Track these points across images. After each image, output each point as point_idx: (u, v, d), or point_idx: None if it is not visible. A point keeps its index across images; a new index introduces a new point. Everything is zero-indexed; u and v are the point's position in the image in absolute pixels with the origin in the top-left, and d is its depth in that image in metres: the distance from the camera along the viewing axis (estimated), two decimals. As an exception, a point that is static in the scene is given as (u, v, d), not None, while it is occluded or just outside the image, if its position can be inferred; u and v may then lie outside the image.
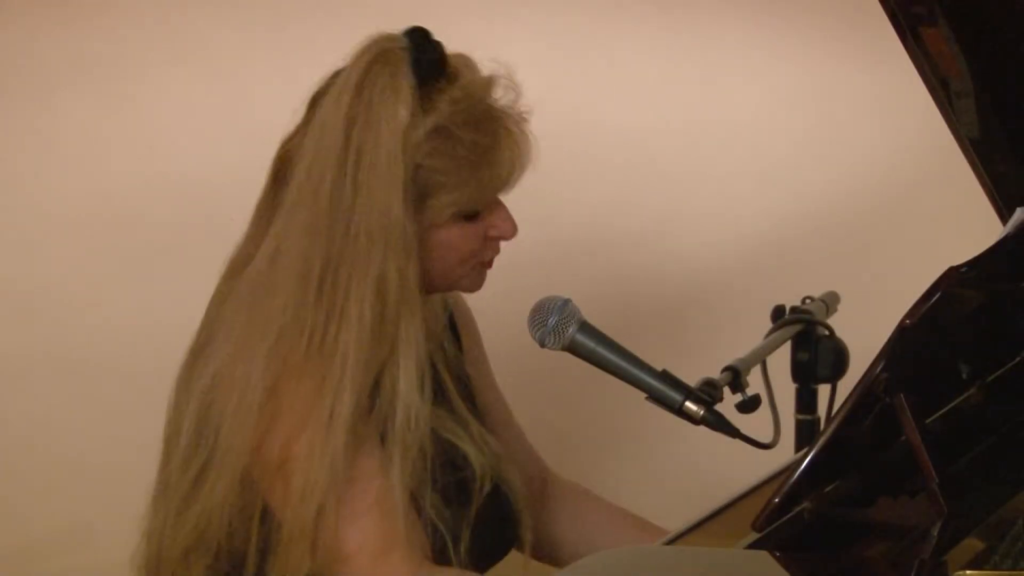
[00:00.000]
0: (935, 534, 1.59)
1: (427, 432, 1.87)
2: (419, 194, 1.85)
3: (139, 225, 2.99)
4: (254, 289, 1.87)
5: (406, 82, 1.83)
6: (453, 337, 2.05)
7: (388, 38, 1.86)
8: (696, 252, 3.17)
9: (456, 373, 2.01)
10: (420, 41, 1.86)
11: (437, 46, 1.87)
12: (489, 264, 1.94)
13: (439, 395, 1.95)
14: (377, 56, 1.84)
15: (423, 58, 1.85)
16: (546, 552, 2.15)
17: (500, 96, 1.88)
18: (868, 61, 3.05)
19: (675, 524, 1.88)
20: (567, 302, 1.92)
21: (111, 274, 2.98)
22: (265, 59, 3.02)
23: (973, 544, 1.61)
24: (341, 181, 1.83)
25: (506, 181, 1.89)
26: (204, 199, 2.94)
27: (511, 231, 1.91)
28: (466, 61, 1.88)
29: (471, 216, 1.88)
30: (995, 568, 1.59)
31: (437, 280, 1.92)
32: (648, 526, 2.14)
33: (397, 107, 1.82)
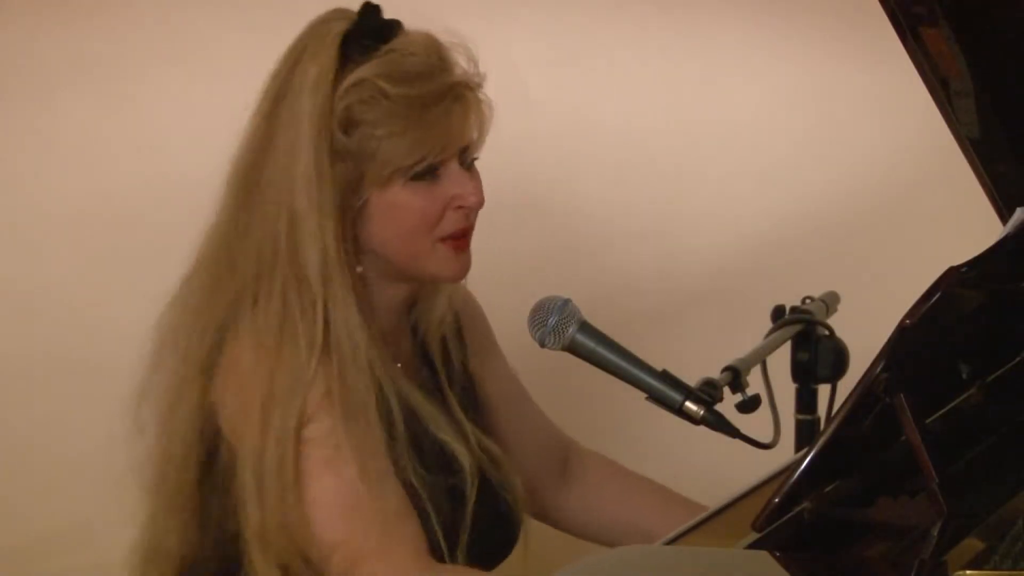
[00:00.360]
0: (935, 534, 1.59)
1: (393, 399, 1.86)
2: (355, 153, 1.83)
3: (139, 225, 2.99)
4: (193, 273, 1.93)
5: (330, 42, 1.84)
6: (458, 341, 2.04)
7: (334, 10, 1.88)
8: (696, 252, 3.17)
9: (459, 378, 2.01)
10: (364, 12, 1.87)
11: (380, 18, 1.86)
12: (461, 245, 1.90)
13: (437, 396, 1.95)
14: (316, 22, 1.88)
15: (361, 24, 1.85)
16: (572, 524, 2.16)
17: (440, 58, 1.86)
18: (868, 61, 3.05)
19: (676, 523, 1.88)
20: (567, 302, 1.91)
21: (111, 274, 2.98)
22: (265, 59, 3.00)
23: (973, 544, 1.61)
24: (255, 140, 1.86)
25: (450, 140, 1.86)
26: (204, 199, 2.94)
27: (471, 195, 1.88)
28: (423, 34, 1.88)
29: (421, 176, 1.86)
30: (995, 568, 1.59)
31: (397, 256, 1.89)
32: (672, 496, 2.15)
33: (312, 64, 1.83)
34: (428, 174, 1.86)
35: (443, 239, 1.89)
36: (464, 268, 1.93)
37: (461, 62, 1.88)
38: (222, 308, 1.86)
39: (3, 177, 2.99)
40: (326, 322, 1.83)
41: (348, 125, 1.83)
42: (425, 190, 1.86)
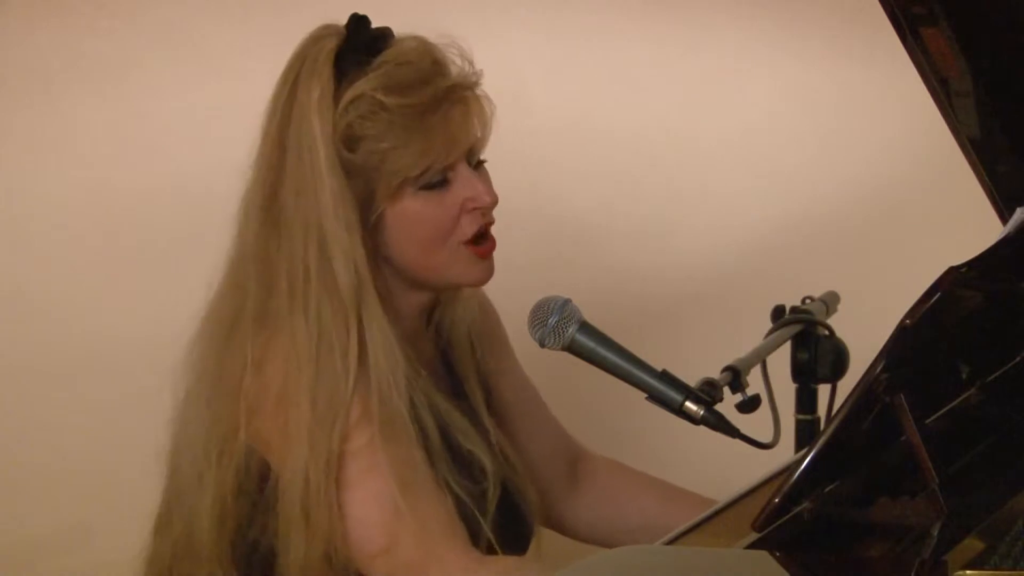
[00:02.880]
0: (935, 534, 1.59)
1: (427, 414, 1.86)
2: (363, 169, 1.83)
3: (138, 225, 2.99)
4: (221, 297, 1.89)
5: (325, 59, 1.83)
6: (478, 344, 2.04)
7: (325, 27, 1.87)
8: (696, 252, 3.17)
9: (480, 383, 2.01)
10: (354, 24, 1.86)
11: (370, 28, 1.86)
12: (483, 250, 1.90)
13: (463, 402, 1.95)
14: (308, 42, 1.87)
15: (353, 37, 1.85)
16: (580, 529, 2.17)
17: (435, 63, 1.86)
18: (868, 62, 3.05)
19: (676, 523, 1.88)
20: (567, 302, 1.91)
21: (110, 274, 2.98)
22: (265, 59, 3.01)
23: (973, 544, 1.61)
24: (269, 169, 1.84)
25: (454, 143, 1.85)
26: (204, 199, 2.94)
27: (483, 195, 1.88)
28: (416, 40, 1.87)
29: (432, 185, 1.86)
30: (995, 568, 1.59)
31: (417, 266, 1.89)
32: (679, 493, 2.15)
33: (312, 83, 1.82)
34: (438, 181, 1.86)
35: (465, 243, 1.89)
36: (488, 273, 1.93)
37: (456, 62, 1.88)
38: (252, 334, 1.84)
39: (3, 177, 2.99)
40: (360, 340, 1.83)
41: (352, 141, 1.83)
42: (437, 197, 1.86)
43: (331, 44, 1.85)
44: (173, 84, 3.01)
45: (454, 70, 1.87)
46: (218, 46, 3.03)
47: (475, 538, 1.87)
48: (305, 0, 3.05)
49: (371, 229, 1.86)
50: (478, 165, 1.90)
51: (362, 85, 1.82)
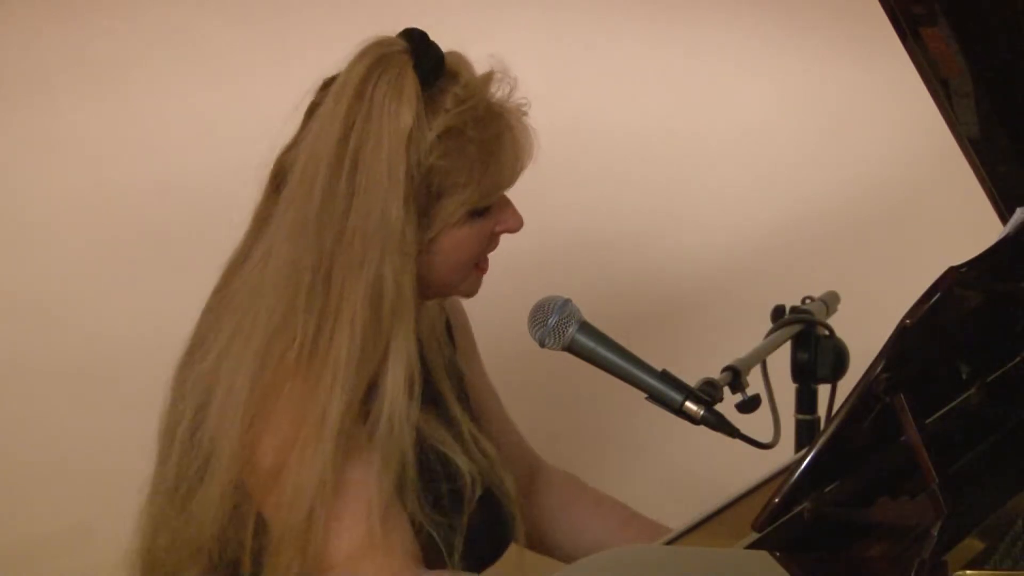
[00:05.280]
0: (935, 534, 1.59)
1: (411, 439, 1.85)
2: (430, 197, 1.83)
3: (138, 225, 2.99)
4: (245, 290, 1.86)
5: (410, 84, 1.81)
6: (448, 339, 2.05)
7: (387, 41, 1.85)
8: (696, 252, 3.17)
9: (452, 373, 2.01)
10: (419, 43, 1.85)
11: (436, 47, 1.86)
12: (486, 267, 1.93)
13: (434, 400, 1.95)
14: (378, 59, 1.82)
15: (424, 60, 1.83)
16: (536, 541, 2.16)
17: (497, 91, 1.88)
18: (868, 61, 3.05)
19: (675, 524, 1.88)
20: (567, 302, 1.92)
21: (110, 274, 2.98)
22: (266, 59, 3.02)
23: (973, 544, 1.61)
24: (336, 183, 1.80)
25: (513, 175, 1.89)
26: (204, 199, 2.94)
27: (518, 224, 1.91)
28: (461, 59, 1.88)
29: (481, 213, 1.88)
30: (995, 568, 1.59)
31: (437, 284, 1.91)
32: (635, 518, 2.15)
33: (400, 110, 1.80)
34: (485, 208, 1.88)
35: (478, 265, 1.92)
36: (479, 286, 1.96)
37: (506, 88, 1.89)
38: (284, 343, 1.82)
39: (2, 177, 2.99)
40: (384, 355, 1.83)
41: (432, 171, 1.83)
42: (481, 223, 1.89)
43: (406, 60, 1.82)
44: (173, 84, 3.01)
45: (510, 97, 1.88)
46: (219, 46, 3.03)
47: (448, 537, 1.87)
48: (305, 0, 3.07)
49: (421, 252, 1.86)
50: None
51: (453, 119, 1.82)
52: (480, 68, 1.89)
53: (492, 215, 1.89)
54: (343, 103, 1.81)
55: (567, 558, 2.14)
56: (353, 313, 1.80)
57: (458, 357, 2.06)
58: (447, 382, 1.99)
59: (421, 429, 1.89)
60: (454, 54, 1.88)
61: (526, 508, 2.10)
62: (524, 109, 1.89)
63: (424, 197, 1.83)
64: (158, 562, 1.91)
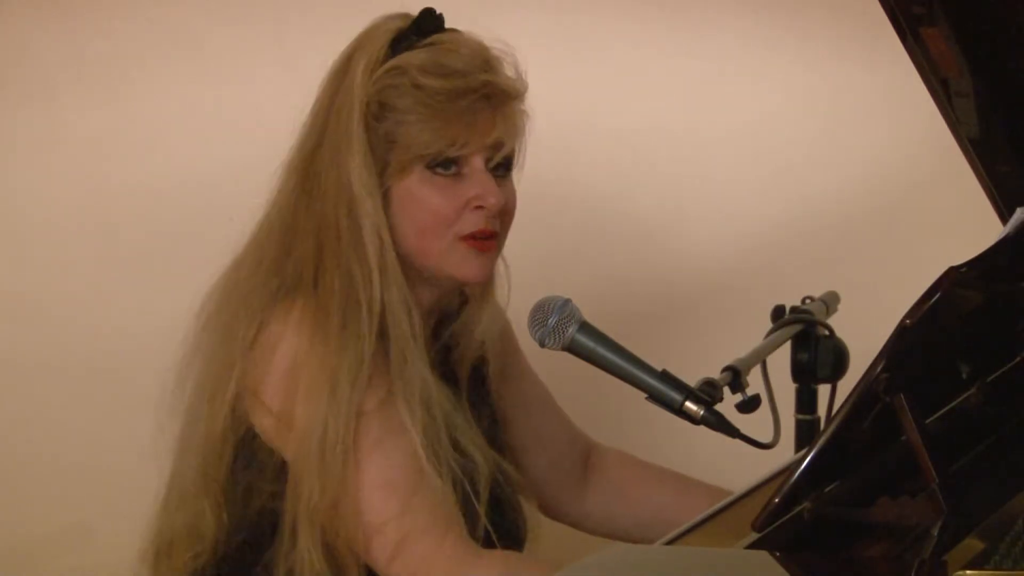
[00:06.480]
0: (935, 534, 1.59)
1: (426, 393, 1.88)
2: (383, 139, 1.87)
3: (138, 225, 2.99)
4: (244, 255, 1.93)
5: (383, 37, 1.88)
6: (471, 349, 2.04)
7: (395, 13, 1.91)
8: (696, 252, 3.17)
9: (483, 400, 2.02)
10: (423, 15, 1.90)
11: (434, 20, 1.90)
12: (479, 244, 1.90)
13: (458, 405, 1.97)
14: (372, 26, 1.90)
15: (414, 24, 1.89)
16: (596, 524, 2.18)
17: (487, 62, 1.88)
18: (868, 62, 3.05)
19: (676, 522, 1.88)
20: (567, 302, 1.91)
21: (110, 274, 2.98)
22: (265, 58, 3.02)
23: (973, 544, 1.61)
24: (315, 138, 1.89)
25: (470, 136, 1.87)
26: (204, 199, 2.94)
27: (488, 195, 1.88)
28: (469, 35, 1.91)
29: (441, 172, 1.87)
30: (995, 568, 1.59)
31: (416, 252, 1.90)
32: (693, 486, 2.17)
33: (362, 58, 1.87)
34: (447, 168, 1.87)
35: (463, 238, 1.89)
36: (483, 271, 1.92)
37: (506, 70, 1.90)
38: (273, 290, 1.88)
39: (3, 177, 2.99)
40: (383, 302, 1.86)
41: (381, 110, 1.86)
42: (443, 186, 1.88)
43: (395, 24, 1.89)
44: (173, 84, 3.01)
45: (500, 73, 1.89)
46: (219, 46, 3.03)
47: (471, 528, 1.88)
48: (305, 1, 3.07)
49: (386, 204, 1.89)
50: (502, 173, 1.91)
51: (406, 58, 1.86)
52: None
53: (463, 181, 1.88)
54: (334, 64, 1.91)
55: (628, 537, 2.14)
56: (338, 253, 1.86)
57: (496, 379, 2.06)
58: (467, 385, 2.00)
59: (443, 405, 1.90)
60: (472, 36, 1.91)
61: (583, 494, 2.15)
62: (513, 89, 1.89)
63: (380, 139, 1.86)
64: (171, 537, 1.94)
